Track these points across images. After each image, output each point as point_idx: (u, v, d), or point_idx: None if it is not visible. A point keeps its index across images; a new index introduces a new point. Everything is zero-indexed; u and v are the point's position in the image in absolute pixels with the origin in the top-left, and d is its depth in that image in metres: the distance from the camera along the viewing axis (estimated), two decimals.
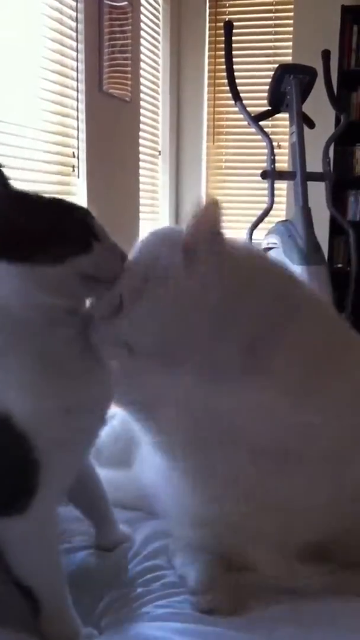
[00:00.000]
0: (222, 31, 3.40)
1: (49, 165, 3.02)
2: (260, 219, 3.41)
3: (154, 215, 4.64)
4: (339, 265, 4.42)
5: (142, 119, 4.13)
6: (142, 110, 4.12)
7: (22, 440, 0.80)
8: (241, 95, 3.42)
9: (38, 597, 0.84)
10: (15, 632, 0.84)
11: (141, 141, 4.13)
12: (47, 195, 0.89)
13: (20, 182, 0.88)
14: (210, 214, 0.94)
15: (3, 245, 0.81)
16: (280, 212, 4.13)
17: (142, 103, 4.11)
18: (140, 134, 4.11)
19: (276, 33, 4.66)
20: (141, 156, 4.14)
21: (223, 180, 4.89)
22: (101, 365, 0.92)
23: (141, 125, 4.12)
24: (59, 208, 0.88)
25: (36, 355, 0.83)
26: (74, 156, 3.22)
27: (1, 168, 0.87)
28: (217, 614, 0.89)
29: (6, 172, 0.87)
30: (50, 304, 0.84)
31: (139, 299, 0.92)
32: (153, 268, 0.94)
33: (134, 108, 3.95)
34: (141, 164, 4.14)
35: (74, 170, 3.22)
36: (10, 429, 0.80)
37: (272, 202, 3.37)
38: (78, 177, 3.25)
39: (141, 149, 4.14)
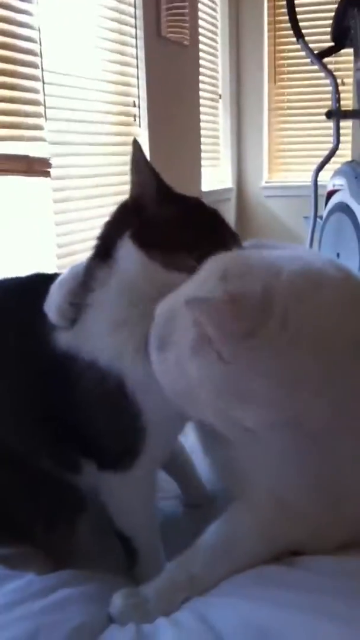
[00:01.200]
0: None
1: (111, 116, 3.01)
2: (326, 161, 3.35)
3: (216, 161, 4.58)
4: None
5: (201, 62, 4.04)
6: (201, 54, 4.03)
7: (133, 405, 0.89)
8: (303, 31, 3.32)
9: (136, 547, 0.96)
10: (113, 576, 0.94)
11: (201, 85, 4.06)
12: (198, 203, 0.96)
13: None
14: (222, 318, 0.76)
15: (142, 233, 0.90)
16: (346, 152, 4.02)
17: (200, 46, 4.02)
18: (200, 78, 4.03)
19: None
20: (201, 101, 4.08)
21: (286, 121, 4.77)
22: None
23: (201, 70, 4.04)
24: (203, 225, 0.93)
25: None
26: (134, 105, 3.20)
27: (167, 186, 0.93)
28: None
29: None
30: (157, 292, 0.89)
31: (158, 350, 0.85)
32: (168, 334, 0.83)
33: (193, 52, 3.87)
34: (201, 109, 4.08)
35: (135, 120, 3.21)
36: (124, 395, 0.89)
37: (337, 143, 3.31)
38: (139, 126, 3.23)
39: (201, 93, 4.07)
